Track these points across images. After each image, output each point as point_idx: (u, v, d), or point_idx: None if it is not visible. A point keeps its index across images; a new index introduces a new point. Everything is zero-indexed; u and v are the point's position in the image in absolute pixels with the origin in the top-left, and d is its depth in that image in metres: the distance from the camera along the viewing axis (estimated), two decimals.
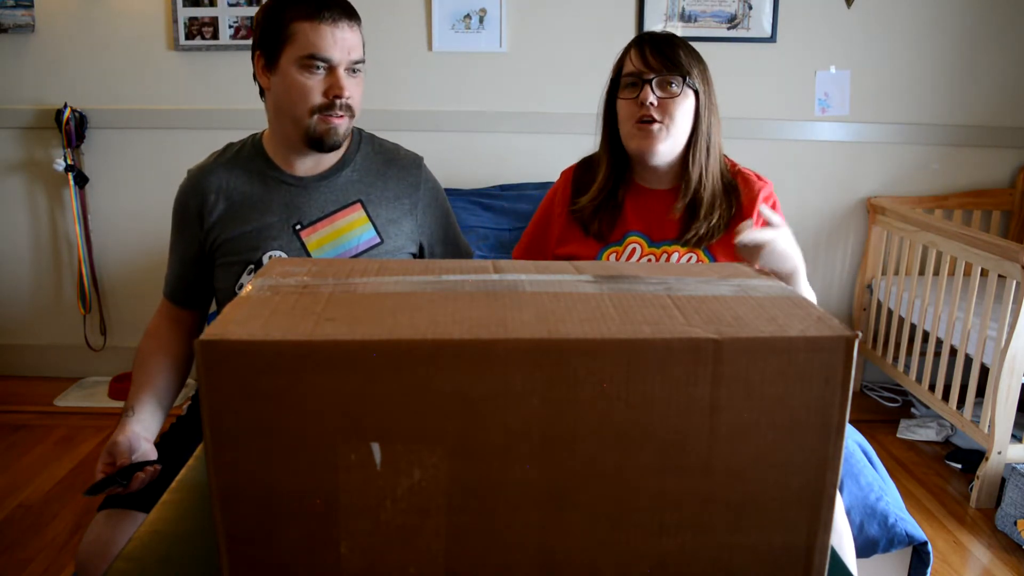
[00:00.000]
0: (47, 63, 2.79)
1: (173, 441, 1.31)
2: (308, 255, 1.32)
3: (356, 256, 1.33)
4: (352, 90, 1.27)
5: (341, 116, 1.27)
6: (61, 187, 2.87)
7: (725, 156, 1.40)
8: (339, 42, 1.23)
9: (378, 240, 1.35)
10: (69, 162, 2.78)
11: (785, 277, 1.24)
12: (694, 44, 1.36)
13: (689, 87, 1.31)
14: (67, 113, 2.73)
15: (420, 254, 1.44)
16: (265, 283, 0.67)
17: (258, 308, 0.60)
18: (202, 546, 0.80)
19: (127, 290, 2.97)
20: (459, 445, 0.57)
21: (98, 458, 1.14)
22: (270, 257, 1.30)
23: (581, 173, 1.45)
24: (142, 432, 1.18)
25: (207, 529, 0.75)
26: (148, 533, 0.83)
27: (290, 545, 0.58)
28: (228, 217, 1.33)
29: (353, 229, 1.34)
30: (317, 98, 1.25)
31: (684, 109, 1.31)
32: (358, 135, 1.42)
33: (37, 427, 2.60)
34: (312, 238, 1.32)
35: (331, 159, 1.36)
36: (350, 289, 0.66)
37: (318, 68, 1.24)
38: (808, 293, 1.29)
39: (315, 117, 1.26)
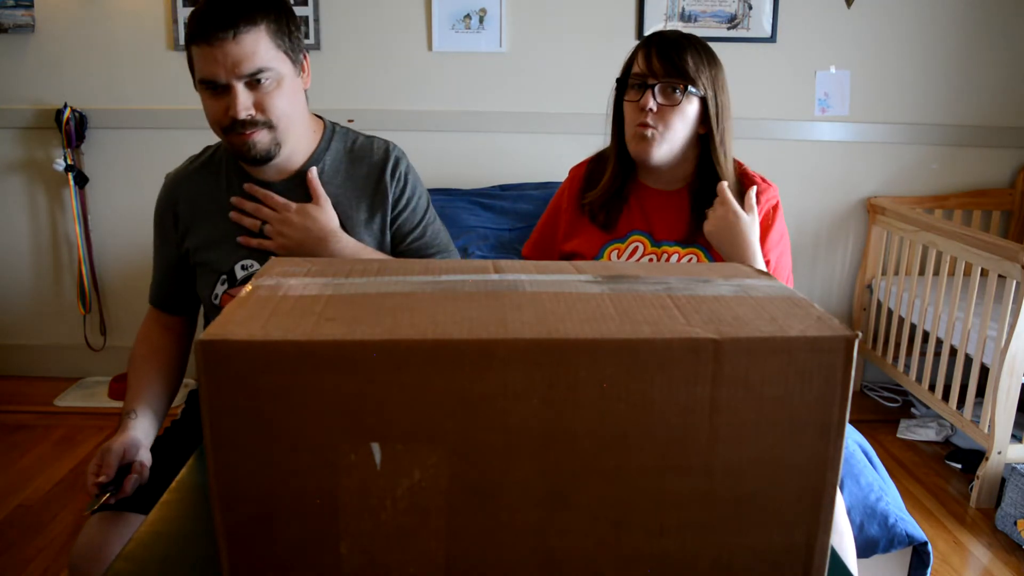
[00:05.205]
0: (47, 63, 2.79)
1: (169, 443, 1.31)
2: None
3: None
4: (260, 102, 1.19)
5: (250, 133, 1.20)
6: (61, 187, 2.87)
7: (735, 159, 1.41)
8: (223, 60, 1.16)
9: None
10: (69, 162, 2.78)
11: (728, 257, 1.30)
12: None
13: (694, 94, 1.30)
14: (67, 113, 2.73)
15: (395, 248, 1.37)
16: (265, 283, 0.67)
17: (258, 308, 0.60)
18: (202, 546, 0.80)
19: (127, 290, 2.97)
20: (459, 445, 0.57)
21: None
22: (242, 266, 1.28)
23: (592, 168, 1.45)
24: (143, 439, 1.19)
25: (207, 529, 0.75)
26: (148, 533, 0.83)
27: (290, 545, 0.58)
28: (199, 225, 1.31)
29: None
30: (222, 120, 1.20)
31: (683, 117, 1.30)
32: (330, 132, 1.34)
33: (37, 427, 2.60)
34: None
35: (298, 160, 1.30)
36: (350, 289, 0.66)
37: (216, 89, 1.19)
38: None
39: (227, 136, 1.22)
